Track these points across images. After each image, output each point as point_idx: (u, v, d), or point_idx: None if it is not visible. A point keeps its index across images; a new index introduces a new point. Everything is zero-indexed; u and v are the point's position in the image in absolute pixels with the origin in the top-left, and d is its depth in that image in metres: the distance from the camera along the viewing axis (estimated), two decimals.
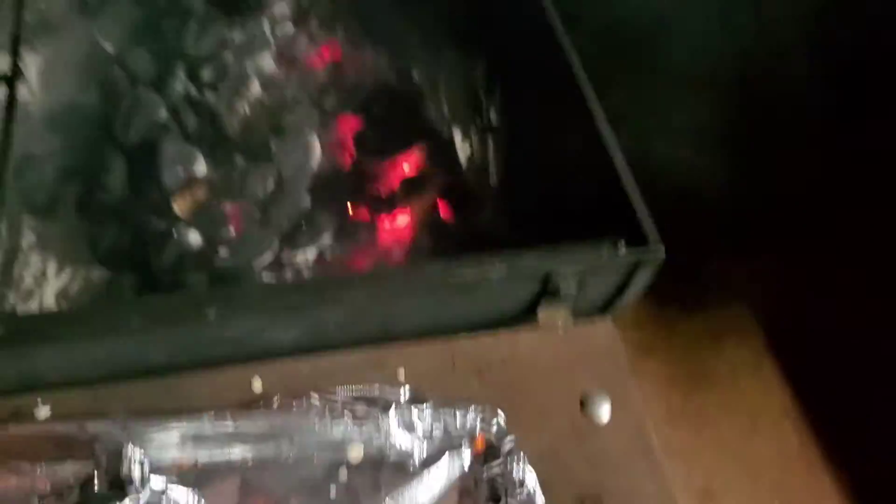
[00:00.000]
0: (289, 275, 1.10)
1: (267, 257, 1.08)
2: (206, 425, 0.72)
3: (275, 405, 0.74)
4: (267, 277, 1.04)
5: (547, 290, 0.86)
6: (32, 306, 1.13)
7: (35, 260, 1.17)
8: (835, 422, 1.76)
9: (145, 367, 0.78)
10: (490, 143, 1.31)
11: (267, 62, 1.28)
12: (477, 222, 1.26)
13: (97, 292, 1.12)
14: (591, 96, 0.95)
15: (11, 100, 0.99)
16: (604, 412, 0.80)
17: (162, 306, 0.75)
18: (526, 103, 1.20)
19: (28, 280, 1.16)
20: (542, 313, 0.89)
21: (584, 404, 0.81)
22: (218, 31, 1.23)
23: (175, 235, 1.06)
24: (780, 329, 1.93)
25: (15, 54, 1.03)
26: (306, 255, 1.10)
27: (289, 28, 1.33)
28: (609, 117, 0.95)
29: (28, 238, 1.19)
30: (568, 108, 1.00)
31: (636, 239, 0.86)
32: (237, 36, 1.24)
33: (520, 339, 0.84)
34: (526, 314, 0.91)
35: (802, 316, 1.93)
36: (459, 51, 1.39)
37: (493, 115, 1.31)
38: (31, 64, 1.34)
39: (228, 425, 0.72)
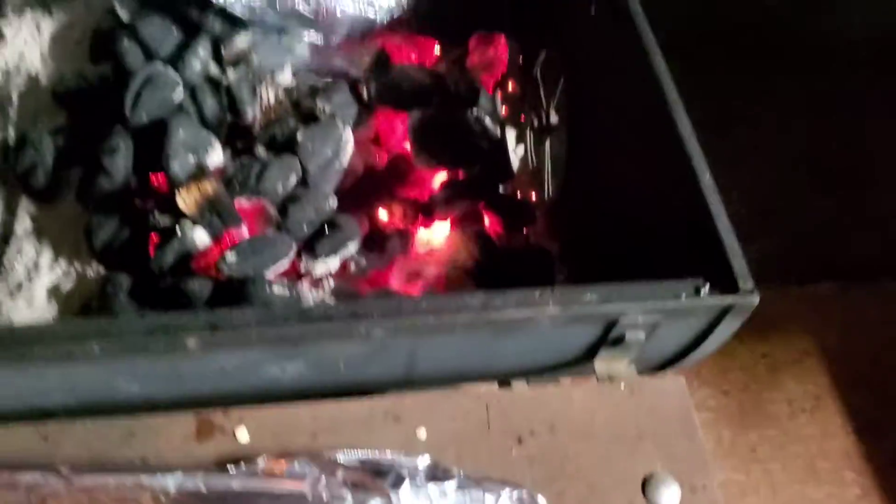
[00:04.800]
0: (305, 287, 0.96)
1: (282, 265, 0.93)
2: (169, 485, 0.57)
3: (259, 466, 0.59)
4: (279, 289, 0.89)
5: (609, 338, 0.69)
6: (20, 303, 1.00)
7: (29, 249, 1.05)
8: None
9: (109, 404, 0.64)
10: (548, 147, 1.15)
11: (301, 45, 1.13)
12: (527, 239, 1.10)
13: (89, 291, 0.99)
14: (677, 105, 0.78)
15: None
16: (671, 501, 0.64)
17: (129, 329, 0.60)
18: (593, 104, 1.04)
19: (20, 271, 1.03)
20: (601, 364, 0.73)
21: (646, 488, 0.65)
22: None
23: (178, 233, 0.92)
24: (846, 365, 1.77)
25: None
26: (327, 265, 0.95)
27: None
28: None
29: (24, 224, 1.07)
30: (645, 115, 0.83)
31: (723, 279, 0.69)
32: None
33: (571, 397, 0.68)
34: (579, 361, 0.75)
35: (872, 352, 1.77)
36: (518, 35, 1.22)
37: (552, 115, 1.14)
38: (45, 28, 1.22)
39: (196, 490, 0.57)
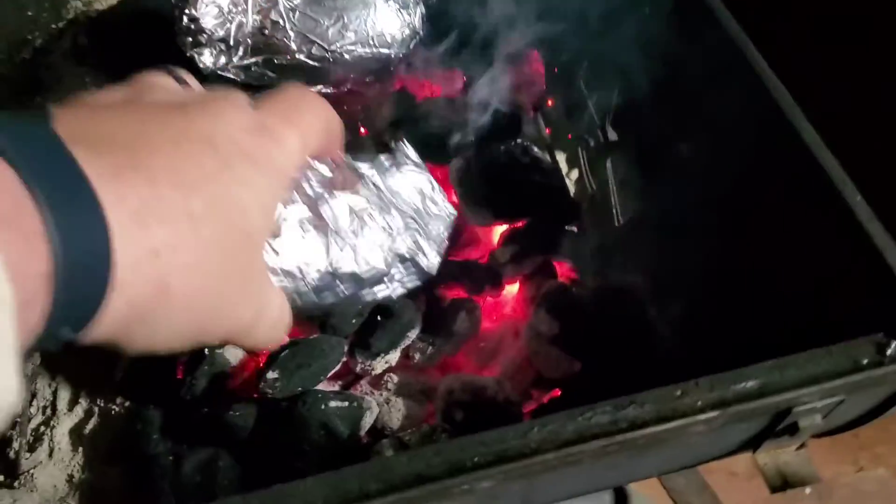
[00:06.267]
0: (366, 391, 0.80)
1: (332, 370, 0.78)
2: None
3: None
4: (336, 403, 0.74)
5: (777, 429, 0.53)
6: (41, 454, 0.86)
7: (43, 388, 0.91)
8: None
9: None
10: (609, 168, 0.99)
11: None
12: (606, 279, 0.93)
13: (116, 430, 0.85)
14: (785, 96, 0.61)
15: None
16: None
17: None
18: (660, 103, 0.87)
19: (36, 416, 0.89)
20: (765, 457, 0.56)
21: None
22: None
23: (205, 354, 0.77)
24: None
25: None
26: (387, 361, 0.80)
27: None
28: None
29: (34, 359, 0.93)
30: (742, 106, 0.67)
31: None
32: None
33: None
34: (733, 453, 0.59)
35: None
36: (551, 49, 1.07)
37: (610, 131, 0.98)
38: None
39: None
